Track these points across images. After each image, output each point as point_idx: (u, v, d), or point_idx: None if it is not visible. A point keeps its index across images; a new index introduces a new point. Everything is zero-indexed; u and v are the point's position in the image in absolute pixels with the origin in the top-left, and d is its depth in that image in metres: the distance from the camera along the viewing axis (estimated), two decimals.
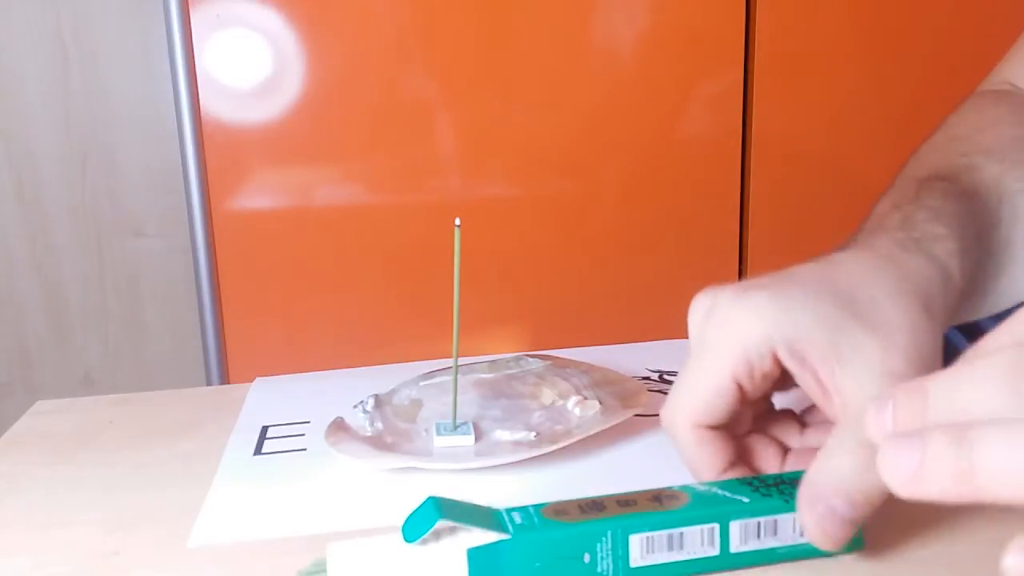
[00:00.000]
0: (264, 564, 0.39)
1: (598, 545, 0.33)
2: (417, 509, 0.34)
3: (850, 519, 0.33)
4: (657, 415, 0.51)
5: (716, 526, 0.34)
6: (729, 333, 0.37)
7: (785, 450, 0.41)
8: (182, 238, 1.24)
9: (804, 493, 0.34)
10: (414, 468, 0.45)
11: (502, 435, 0.46)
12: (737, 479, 0.37)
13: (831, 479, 0.33)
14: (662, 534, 0.33)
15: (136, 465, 0.50)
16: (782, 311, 0.35)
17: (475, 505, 0.35)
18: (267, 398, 0.59)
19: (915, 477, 0.23)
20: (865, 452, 0.32)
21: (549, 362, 0.54)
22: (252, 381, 0.62)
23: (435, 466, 0.45)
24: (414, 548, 0.34)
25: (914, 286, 0.36)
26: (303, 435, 0.52)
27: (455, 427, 0.47)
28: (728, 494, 0.35)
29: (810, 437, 0.42)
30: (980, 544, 0.38)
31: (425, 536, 0.33)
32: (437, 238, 1.19)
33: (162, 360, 1.36)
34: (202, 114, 1.15)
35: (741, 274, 1.27)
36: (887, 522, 0.40)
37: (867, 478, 0.32)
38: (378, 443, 0.46)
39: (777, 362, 0.36)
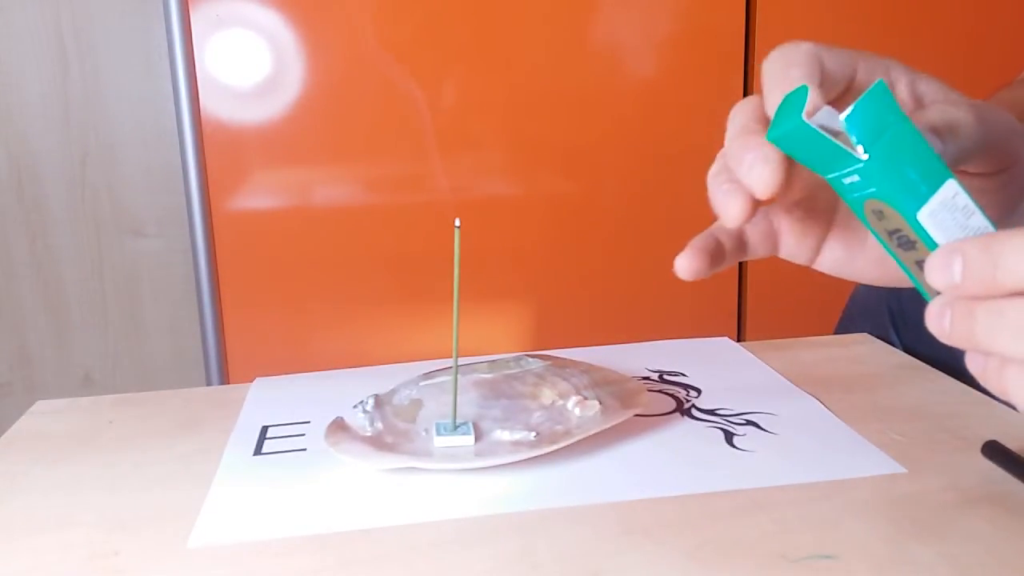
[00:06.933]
0: (264, 564, 0.39)
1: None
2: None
3: None
4: (656, 415, 0.51)
5: None
6: None
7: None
8: (182, 238, 1.25)
9: None
10: (414, 468, 0.45)
11: (502, 435, 0.46)
12: None
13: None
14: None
15: (136, 465, 0.50)
16: None
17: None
18: (267, 398, 0.59)
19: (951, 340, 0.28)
20: None
21: (549, 362, 0.54)
22: (252, 381, 0.62)
23: (435, 466, 0.45)
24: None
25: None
26: (303, 435, 0.52)
27: (455, 427, 0.47)
28: None
29: None
30: (979, 543, 0.38)
31: None
32: (437, 238, 1.19)
33: (162, 360, 1.36)
34: (202, 114, 1.15)
35: (741, 275, 1.27)
36: (887, 521, 0.40)
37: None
38: (378, 443, 0.46)
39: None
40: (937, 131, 0.33)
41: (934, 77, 0.38)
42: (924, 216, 0.31)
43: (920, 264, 0.32)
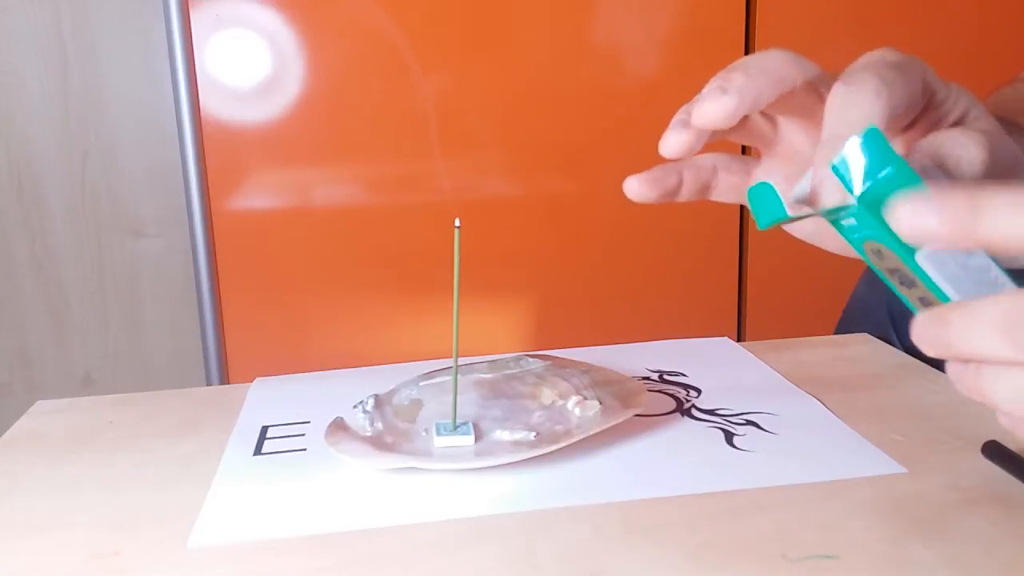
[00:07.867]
0: (264, 565, 0.39)
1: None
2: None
3: None
4: (656, 415, 0.51)
5: None
6: None
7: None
8: (182, 238, 1.25)
9: None
10: (414, 468, 0.45)
11: (502, 435, 0.46)
12: None
13: None
14: None
15: (136, 465, 0.50)
16: None
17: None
18: (267, 398, 0.59)
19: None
20: None
21: (549, 362, 0.54)
22: (252, 381, 0.62)
23: (435, 466, 0.45)
24: None
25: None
26: (303, 435, 0.52)
27: (455, 427, 0.47)
28: None
29: None
30: (980, 544, 0.38)
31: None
32: (437, 238, 1.19)
33: (162, 360, 1.36)
34: (202, 114, 1.15)
35: (741, 274, 1.27)
36: (888, 521, 0.40)
37: None
38: (378, 443, 0.46)
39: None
40: (943, 165, 0.33)
41: (967, 91, 0.37)
42: (922, 257, 0.31)
43: (923, 300, 0.32)
